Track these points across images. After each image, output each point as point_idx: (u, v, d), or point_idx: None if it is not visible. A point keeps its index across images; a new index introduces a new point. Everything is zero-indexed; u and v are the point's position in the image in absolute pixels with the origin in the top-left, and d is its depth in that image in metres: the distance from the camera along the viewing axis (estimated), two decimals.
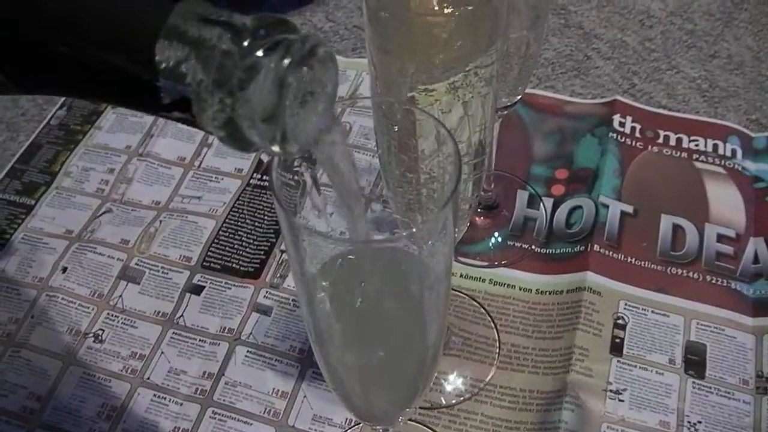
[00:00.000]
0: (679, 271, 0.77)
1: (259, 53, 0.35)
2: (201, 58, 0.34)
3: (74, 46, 0.36)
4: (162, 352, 0.74)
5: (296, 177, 0.47)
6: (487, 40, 0.51)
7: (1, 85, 0.38)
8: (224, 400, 0.71)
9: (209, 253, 0.81)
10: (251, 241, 0.81)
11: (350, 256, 0.46)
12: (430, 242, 0.43)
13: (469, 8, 0.51)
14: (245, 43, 0.34)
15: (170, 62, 0.34)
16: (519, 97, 0.71)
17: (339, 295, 0.47)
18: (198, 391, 0.71)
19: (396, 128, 0.51)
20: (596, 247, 0.78)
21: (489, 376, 0.72)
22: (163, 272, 0.79)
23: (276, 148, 0.37)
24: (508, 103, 0.71)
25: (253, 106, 0.35)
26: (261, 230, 0.82)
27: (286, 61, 0.35)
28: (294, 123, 0.37)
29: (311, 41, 0.36)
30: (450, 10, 0.52)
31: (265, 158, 0.88)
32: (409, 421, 0.68)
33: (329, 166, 0.41)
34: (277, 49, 0.35)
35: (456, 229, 0.59)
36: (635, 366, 0.71)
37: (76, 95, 0.41)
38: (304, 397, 0.70)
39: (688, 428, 0.68)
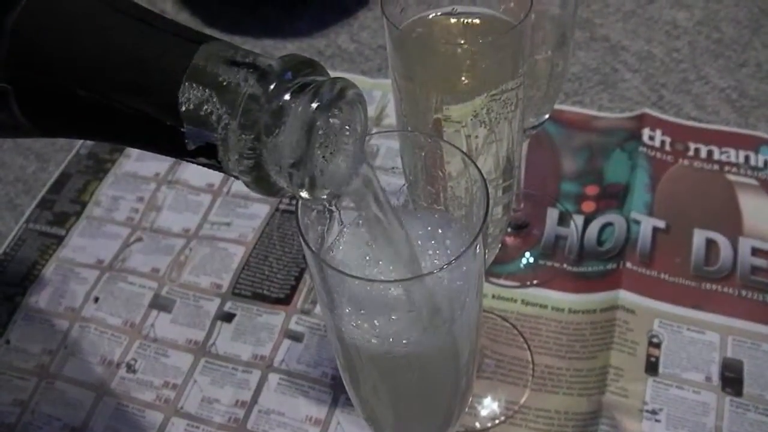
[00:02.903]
0: (714, 287, 0.77)
1: (287, 96, 0.34)
2: (226, 102, 0.34)
3: (96, 92, 0.35)
4: (195, 381, 0.74)
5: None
6: (512, 66, 0.51)
7: (24, 129, 0.38)
8: (258, 429, 0.70)
9: (240, 280, 0.81)
10: (281, 266, 0.81)
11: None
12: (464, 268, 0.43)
13: (491, 39, 0.51)
14: (272, 87, 0.34)
15: (194, 108, 0.34)
16: (547, 116, 0.71)
17: (368, 321, 0.47)
18: (231, 420, 0.71)
19: (423, 153, 0.51)
20: (628, 264, 0.78)
21: (523, 399, 0.71)
22: (194, 300, 0.79)
23: (304, 193, 0.36)
24: (536, 123, 0.71)
25: (281, 151, 0.34)
26: (291, 256, 0.82)
27: (315, 105, 0.34)
28: (322, 167, 0.36)
29: (340, 83, 0.35)
30: (473, 39, 0.52)
31: None
32: None
33: (362, 208, 0.41)
34: (304, 92, 0.34)
35: (486, 251, 0.58)
36: (671, 385, 0.70)
37: (98, 139, 0.41)
38: (338, 423, 0.70)
39: None
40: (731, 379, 0.71)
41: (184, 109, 0.34)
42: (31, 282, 0.82)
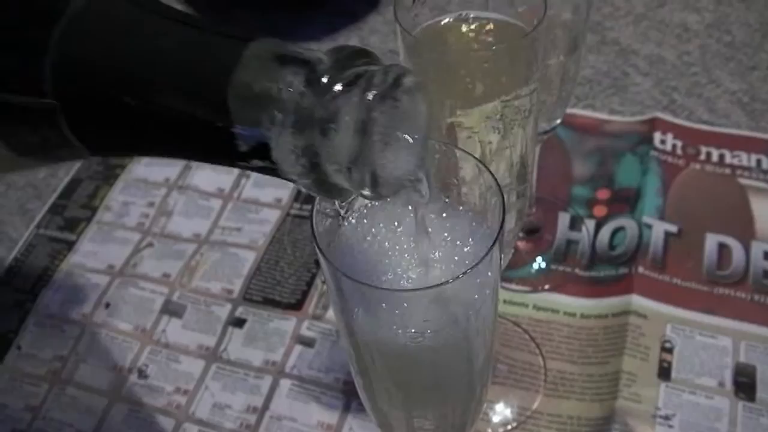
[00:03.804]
0: (726, 291, 0.76)
1: (339, 89, 0.32)
2: (276, 99, 0.32)
3: (146, 99, 0.35)
4: (206, 387, 0.74)
5: (333, 205, 0.46)
6: (526, 72, 0.51)
7: (74, 149, 0.37)
8: None
9: (251, 286, 0.80)
10: (292, 272, 0.81)
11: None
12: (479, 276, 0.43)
13: (505, 45, 0.50)
14: (324, 79, 0.32)
15: (244, 105, 0.33)
16: (559, 121, 0.71)
17: (382, 324, 0.47)
18: (243, 426, 0.71)
19: (437, 156, 0.51)
20: (640, 269, 0.77)
21: (535, 404, 0.71)
22: (205, 305, 0.79)
23: (367, 192, 0.35)
24: (548, 128, 0.71)
25: (338, 147, 0.33)
26: (302, 261, 0.82)
27: (369, 96, 0.32)
28: (384, 162, 0.34)
29: (395, 70, 0.34)
30: (486, 45, 0.52)
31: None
32: None
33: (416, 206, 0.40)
34: (358, 83, 0.33)
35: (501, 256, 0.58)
36: (684, 390, 0.70)
37: (150, 153, 0.39)
38: (350, 429, 0.70)
39: None
40: (744, 384, 0.70)
41: (233, 107, 0.33)
42: (42, 287, 0.82)
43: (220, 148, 0.35)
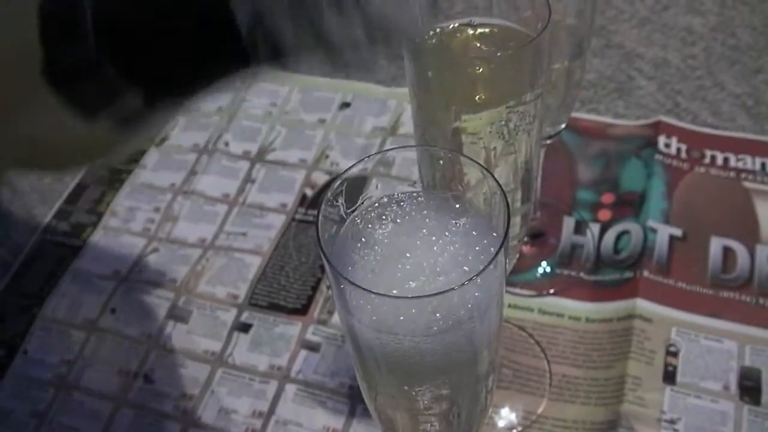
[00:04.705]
0: (732, 295, 0.76)
1: None
2: None
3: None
4: (212, 392, 0.74)
5: (338, 211, 0.47)
6: (531, 77, 0.51)
7: (127, 95, 0.39)
8: None
9: (256, 291, 0.81)
10: (297, 277, 0.81)
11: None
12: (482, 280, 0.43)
13: (510, 52, 0.50)
14: None
15: None
16: (563, 125, 0.71)
17: (386, 332, 0.47)
18: (249, 430, 0.71)
19: (441, 162, 0.51)
20: (645, 273, 0.77)
21: (541, 409, 0.71)
22: (210, 311, 0.79)
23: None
24: (553, 133, 0.71)
25: None
26: (307, 266, 0.82)
27: None
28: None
29: None
30: (491, 52, 0.52)
31: (309, 192, 0.88)
32: None
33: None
34: None
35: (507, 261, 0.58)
36: (689, 394, 0.70)
37: (179, 78, 0.41)
38: None
39: None
40: (749, 387, 0.70)
41: None
42: (48, 293, 0.82)
43: (229, 39, 0.36)
